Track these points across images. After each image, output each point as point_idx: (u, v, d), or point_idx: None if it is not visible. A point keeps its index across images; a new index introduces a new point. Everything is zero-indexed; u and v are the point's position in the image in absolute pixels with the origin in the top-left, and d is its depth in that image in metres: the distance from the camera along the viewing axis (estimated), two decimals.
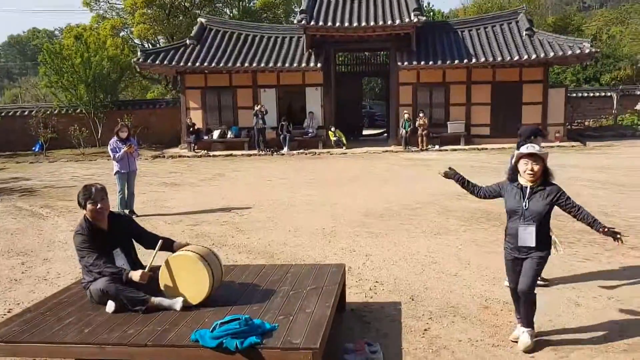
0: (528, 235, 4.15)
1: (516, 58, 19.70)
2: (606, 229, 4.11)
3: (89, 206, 4.21)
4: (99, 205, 4.21)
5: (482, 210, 9.27)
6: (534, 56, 19.57)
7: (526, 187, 4.19)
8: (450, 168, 4.83)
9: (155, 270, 4.12)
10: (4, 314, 5.22)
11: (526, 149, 4.15)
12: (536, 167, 4.12)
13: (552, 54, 19.52)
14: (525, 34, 20.80)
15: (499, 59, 19.90)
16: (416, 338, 4.51)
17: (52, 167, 18.65)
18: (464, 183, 4.72)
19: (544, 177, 4.19)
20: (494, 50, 20.42)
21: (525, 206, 4.16)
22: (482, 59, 20.04)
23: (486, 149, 19.53)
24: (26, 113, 24.07)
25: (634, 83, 27.16)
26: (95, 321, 3.80)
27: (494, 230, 7.95)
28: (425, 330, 4.67)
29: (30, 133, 22.66)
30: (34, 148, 23.06)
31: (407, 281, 5.89)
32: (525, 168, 4.15)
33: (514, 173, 4.31)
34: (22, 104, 32.77)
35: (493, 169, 14.00)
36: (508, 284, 4.56)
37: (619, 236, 4.09)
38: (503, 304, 5.13)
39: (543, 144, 5.32)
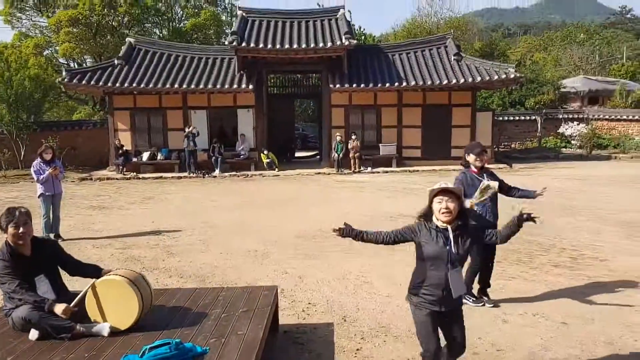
0: (460, 284, 3.70)
1: (445, 82, 20.54)
2: (523, 216, 3.85)
3: (10, 230, 4.03)
4: (21, 230, 4.04)
5: None
6: (462, 80, 20.47)
7: (446, 229, 3.69)
8: (345, 224, 4.18)
9: (81, 305, 3.97)
10: None
11: (439, 184, 3.74)
12: (452, 205, 3.64)
13: (479, 78, 20.51)
14: (454, 59, 21.77)
15: (429, 82, 20.68)
16: (349, 358, 4.58)
17: None
18: (362, 236, 4.10)
19: (460, 217, 3.73)
20: (424, 74, 21.22)
21: (454, 250, 3.65)
22: (413, 83, 20.76)
23: (417, 170, 20.15)
24: None
25: (556, 107, 28.94)
26: (18, 349, 3.64)
27: None
28: (358, 350, 4.74)
29: None
30: None
31: (340, 302, 5.97)
32: (440, 207, 3.66)
33: (427, 213, 3.80)
34: None
35: (424, 190, 14.44)
36: (425, 353, 3.82)
37: (533, 215, 3.89)
38: None
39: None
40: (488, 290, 5.94)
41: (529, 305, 5.76)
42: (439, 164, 20.80)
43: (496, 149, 24.08)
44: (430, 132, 21.53)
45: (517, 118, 27.98)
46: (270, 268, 7.38)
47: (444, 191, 3.67)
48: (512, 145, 27.33)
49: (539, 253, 7.97)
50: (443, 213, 3.65)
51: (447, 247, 3.65)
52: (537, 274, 6.95)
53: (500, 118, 27.06)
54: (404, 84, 20.78)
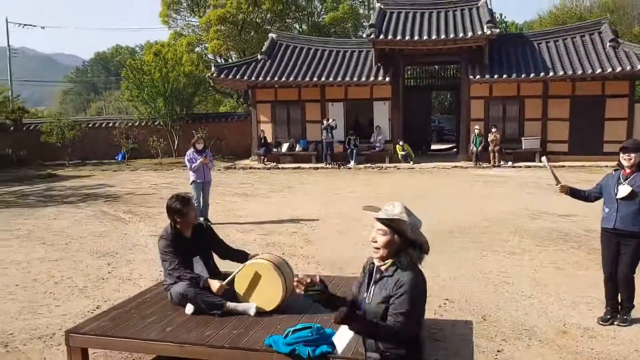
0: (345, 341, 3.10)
1: (599, 71, 18.89)
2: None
3: (192, 214, 4.45)
4: (192, 216, 4.45)
5: (558, 231, 8.93)
6: (618, 69, 18.69)
7: (372, 269, 2.80)
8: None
9: (231, 284, 4.25)
10: (93, 310, 5.57)
11: (375, 211, 2.73)
12: (381, 239, 2.68)
13: (639, 66, 18.55)
14: (609, 46, 19.90)
15: (580, 72, 19.15)
16: (488, 359, 4.40)
17: (132, 175, 19.64)
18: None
19: (395, 256, 2.69)
20: (574, 62, 19.68)
21: (367, 300, 2.75)
22: (561, 72, 19.35)
23: (564, 166, 18.75)
24: (110, 125, 25.60)
25: None
26: (175, 321, 3.97)
27: (572, 252, 7.64)
28: (499, 351, 4.54)
29: (113, 143, 24.04)
30: (117, 157, 24.41)
31: (479, 300, 5.76)
32: (370, 237, 2.74)
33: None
34: (106, 116, 34.79)
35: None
36: None
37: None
38: (584, 330, 4.92)
39: None
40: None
41: None
42: (588, 160, 19.18)
43: None
44: (579, 125, 19.94)
45: None
46: None
47: (377, 218, 2.69)
48: None
49: None
50: (372, 245, 2.73)
51: (365, 294, 2.78)
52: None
53: None
54: (551, 73, 19.43)
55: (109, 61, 73.37)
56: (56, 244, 8.83)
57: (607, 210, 4.99)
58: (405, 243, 2.69)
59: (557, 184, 5.20)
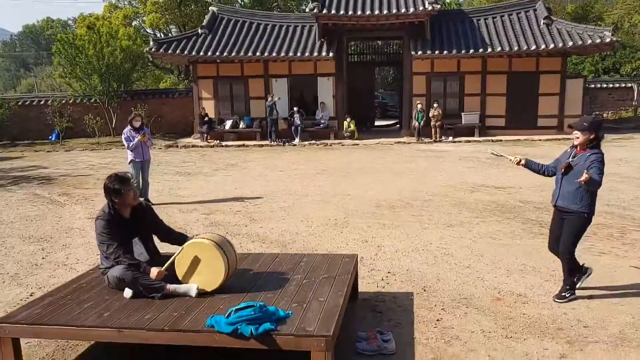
0: None
1: (533, 47, 19.51)
2: None
3: (131, 194, 4.28)
4: (131, 197, 4.29)
5: (496, 203, 9.25)
6: (552, 45, 19.36)
7: None
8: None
9: (171, 269, 4.17)
10: (27, 298, 5.33)
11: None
12: None
13: (570, 43, 19.30)
14: (543, 23, 20.56)
15: (516, 48, 19.71)
16: (428, 328, 4.53)
17: (68, 155, 18.86)
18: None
19: None
20: (511, 39, 20.23)
21: None
22: (498, 49, 19.87)
23: (501, 140, 19.42)
24: (42, 102, 24.34)
25: None
26: (113, 306, 3.87)
27: (507, 223, 7.93)
28: (438, 320, 4.68)
29: (46, 122, 22.94)
30: (50, 137, 23.30)
31: (420, 272, 5.90)
32: None
33: None
34: (38, 93, 33.07)
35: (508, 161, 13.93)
36: None
37: None
38: (517, 296, 5.14)
39: (561, 135, 5.10)
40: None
41: (620, 282, 5.44)
42: (524, 134, 19.96)
43: None
44: (515, 100, 20.63)
45: (611, 85, 26.15)
46: (350, 236, 7.41)
47: None
48: (605, 115, 25.57)
49: (633, 228, 7.49)
50: None
51: None
52: (629, 250, 6.54)
53: (592, 85, 25.37)
54: (489, 50, 19.93)
55: (39, 34, 69.65)
56: None
57: (555, 186, 5.02)
58: None
59: (512, 160, 5.18)
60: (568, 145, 5.12)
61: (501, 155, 5.28)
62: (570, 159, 4.84)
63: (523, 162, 5.17)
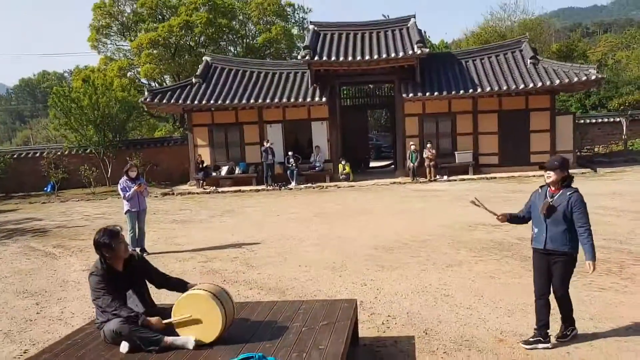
0: None
1: (522, 86, 19.86)
2: None
3: (122, 247, 4.27)
4: (122, 249, 4.28)
5: (493, 241, 9.22)
6: (539, 84, 19.73)
7: None
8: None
9: (171, 324, 4.12)
10: (20, 355, 5.24)
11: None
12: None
13: (557, 81, 19.67)
14: (530, 63, 21.01)
15: (505, 87, 20.07)
16: None
17: (63, 207, 18.80)
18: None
19: None
20: (499, 79, 20.62)
21: None
22: (488, 88, 20.21)
23: (495, 177, 19.52)
24: (37, 154, 24.45)
25: None
26: None
27: (505, 261, 7.90)
28: None
29: (42, 174, 22.97)
30: (45, 188, 23.30)
31: (420, 315, 5.83)
32: None
33: None
34: (33, 145, 33.25)
35: (505, 198, 13.99)
36: None
37: None
38: (519, 337, 5.07)
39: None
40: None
41: (622, 318, 5.38)
42: (517, 170, 20.07)
43: (579, 153, 22.88)
44: (507, 138, 20.85)
45: (600, 120, 26.54)
46: (349, 280, 7.35)
47: None
48: (596, 149, 25.83)
49: (631, 262, 7.46)
50: None
51: None
52: (628, 284, 6.50)
53: (582, 121, 25.73)
54: (479, 90, 20.27)
55: (35, 87, 70.56)
56: None
57: (536, 230, 4.93)
58: None
59: (495, 217, 5.15)
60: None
61: (482, 206, 5.17)
62: (549, 199, 4.82)
63: (507, 217, 5.16)
